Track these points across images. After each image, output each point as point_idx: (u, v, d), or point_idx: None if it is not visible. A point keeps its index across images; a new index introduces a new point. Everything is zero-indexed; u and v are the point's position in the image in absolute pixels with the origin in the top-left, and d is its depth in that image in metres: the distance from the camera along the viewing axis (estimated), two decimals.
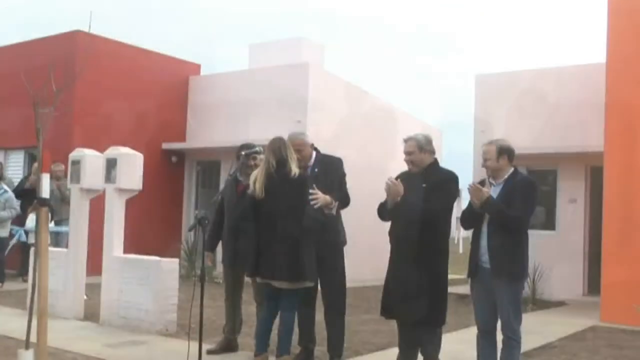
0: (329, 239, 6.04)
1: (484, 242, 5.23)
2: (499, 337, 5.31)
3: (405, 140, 5.98)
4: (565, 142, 12.59)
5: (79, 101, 13.60)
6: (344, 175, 6.25)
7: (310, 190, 5.80)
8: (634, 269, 9.48)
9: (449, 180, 5.89)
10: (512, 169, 5.34)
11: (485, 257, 5.21)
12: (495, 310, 5.28)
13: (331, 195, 5.92)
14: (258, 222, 5.98)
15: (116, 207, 8.29)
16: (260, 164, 6.49)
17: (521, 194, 5.18)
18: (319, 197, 5.80)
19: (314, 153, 6.28)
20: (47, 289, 5.41)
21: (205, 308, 9.09)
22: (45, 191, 5.58)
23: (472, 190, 5.21)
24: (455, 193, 5.95)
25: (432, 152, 5.97)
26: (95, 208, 8.90)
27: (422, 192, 5.71)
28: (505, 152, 5.30)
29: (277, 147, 5.88)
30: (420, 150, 5.88)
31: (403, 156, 6.04)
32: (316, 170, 6.17)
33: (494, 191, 5.25)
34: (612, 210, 9.85)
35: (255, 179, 5.88)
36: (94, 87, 13.88)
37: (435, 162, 5.99)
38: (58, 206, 11.40)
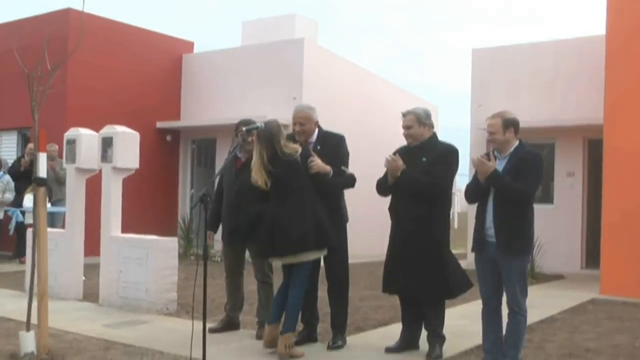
0: (332, 216, 5.99)
1: (489, 216, 5.17)
2: (504, 311, 5.28)
3: (404, 114, 5.93)
4: (563, 115, 12.55)
5: (72, 80, 13.45)
6: (346, 154, 6.13)
7: (311, 158, 5.71)
8: (634, 241, 9.47)
9: (450, 154, 5.88)
10: (517, 142, 5.26)
11: (490, 231, 5.15)
12: (500, 285, 5.24)
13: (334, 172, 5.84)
14: (262, 199, 5.88)
15: (113, 187, 8.19)
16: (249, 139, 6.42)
17: (527, 167, 5.11)
18: (317, 162, 5.73)
19: (317, 130, 6.19)
20: (46, 270, 5.36)
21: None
22: (42, 171, 5.51)
23: (478, 163, 5.14)
24: (456, 166, 5.92)
25: (431, 125, 5.97)
26: (92, 188, 8.82)
27: (423, 167, 5.68)
28: (511, 124, 5.21)
29: (267, 135, 5.74)
30: (419, 124, 5.85)
31: (399, 131, 5.99)
32: (318, 147, 6.09)
33: (499, 165, 5.18)
34: (612, 183, 9.82)
35: (256, 175, 5.75)
36: (86, 66, 13.72)
37: (434, 135, 5.98)
38: (53, 186, 11.30)
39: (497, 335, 5.30)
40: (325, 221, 5.68)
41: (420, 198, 5.66)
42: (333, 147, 6.10)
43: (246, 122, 6.28)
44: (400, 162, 5.62)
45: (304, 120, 6.07)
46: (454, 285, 5.77)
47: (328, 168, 5.81)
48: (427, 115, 5.94)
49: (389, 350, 5.90)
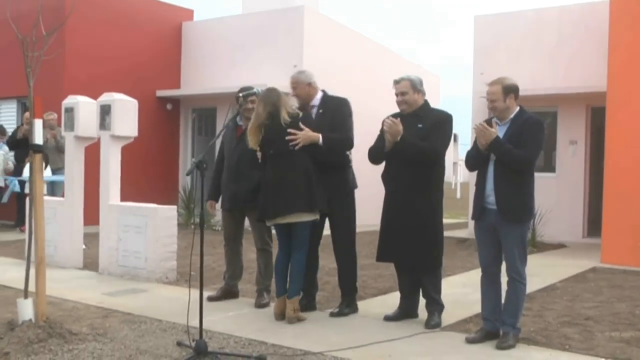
0: (339, 182, 5.96)
1: (489, 183, 5.12)
2: (503, 279, 5.25)
3: (397, 81, 5.85)
4: (566, 82, 12.43)
5: (70, 49, 13.34)
6: (349, 115, 6.09)
7: (289, 131, 5.68)
8: (635, 210, 9.43)
9: (445, 121, 5.82)
10: (518, 108, 5.18)
11: (491, 198, 5.10)
12: (500, 252, 5.21)
13: (326, 135, 5.80)
14: (262, 167, 5.94)
15: (112, 155, 8.14)
16: (249, 106, 6.40)
17: (529, 133, 5.04)
18: (299, 136, 5.68)
19: (321, 93, 6.17)
20: (43, 237, 5.31)
21: (204, 255, 9.11)
22: (38, 138, 5.45)
23: (479, 130, 5.07)
24: (450, 133, 5.85)
25: (424, 92, 5.91)
26: (92, 156, 8.78)
27: (420, 134, 5.60)
28: (511, 90, 5.13)
29: (268, 97, 5.78)
30: (414, 90, 5.78)
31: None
32: (320, 110, 6.05)
33: (500, 131, 5.11)
34: (614, 151, 9.75)
35: (249, 136, 5.83)
36: (85, 35, 13.61)
37: (427, 102, 5.91)
38: (54, 155, 11.26)
39: (496, 302, 5.28)
40: (315, 185, 5.71)
41: (417, 165, 5.59)
42: (334, 109, 6.07)
43: (244, 89, 6.23)
44: (400, 126, 5.55)
45: (294, 84, 6.12)
46: (441, 253, 5.81)
47: (315, 136, 5.75)
48: (420, 81, 5.89)
49: (387, 318, 5.89)
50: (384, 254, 5.86)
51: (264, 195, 5.82)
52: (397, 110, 5.90)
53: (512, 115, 5.15)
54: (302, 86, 6.09)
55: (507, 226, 5.07)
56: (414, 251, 5.67)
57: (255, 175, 6.27)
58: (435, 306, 5.81)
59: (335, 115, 6.02)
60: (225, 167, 6.59)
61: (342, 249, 6.14)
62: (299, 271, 5.82)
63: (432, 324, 5.67)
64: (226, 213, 6.69)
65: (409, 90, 5.76)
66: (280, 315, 5.78)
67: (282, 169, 5.74)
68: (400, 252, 5.75)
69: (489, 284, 5.30)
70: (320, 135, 5.77)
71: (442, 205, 5.84)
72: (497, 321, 5.24)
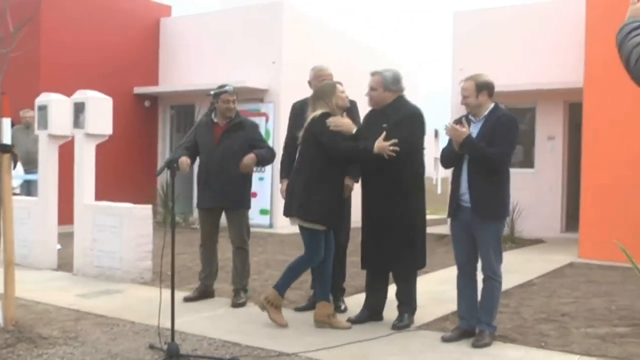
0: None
1: (464, 181, 5.09)
2: (480, 276, 5.23)
3: (372, 74, 5.67)
4: (544, 78, 12.44)
5: (46, 46, 13.18)
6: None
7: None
8: (612, 205, 9.47)
9: (412, 117, 5.56)
10: (492, 105, 5.15)
11: (465, 196, 5.08)
12: (476, 250, 5.18)
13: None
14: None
15: (86, 153, 8.03)
16: (231, 105, 6.36)
17: (502, 131, 5.01)
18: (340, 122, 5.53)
19: None
20: (12, 239, 5.22)
21: (182, 254, 9.07)
22: (6, 137, 5.36)
23: (450, 130, 5.03)
24: (420, 130, 5.61)
25: (399, 90, 5.64)
26: (67, 155, 8.66)
27: (381, 132, 5.36)
28: (484, 87, 5.10)
29: (317, 94, 5.68)
30: (384, 88, 5.57)
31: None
32: None
33: (474, 128, 5.08)
34: (591, 147, 9.78)
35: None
36: (61, 31, 13.44)
37: (399, 99, 5.63)
38: (33, 154, 11.08)
39: (472, 301, 5.25)
40: (312, 192, 5.47)
41: (391, 170, 5.43)
42: (348, 112, 5.88)
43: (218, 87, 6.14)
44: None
45: (331, 77, 6.18)
46: (424, 256, 5.73)
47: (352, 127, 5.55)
48: (396, 80, 5.60)
49: (350, 321, 5.66)
50: (371, 262, 5.70)
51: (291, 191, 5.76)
52: None
53: (486, 112, 5.12)
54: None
55: (482, 224, 5.04)
56: (401, 257, 5.55)
57: (239, 174, 6.23)
58: (406, 307, 5.65)
59: (352, 117, 5.85)
60: (203, 165, 6.51)
61: (338, 250, 5.93)
62: (315, 277, 5.74)
63: (402, 324, 5.52)
64: (205, 212, 6.60)
65: (378, 87, 5.57)
66: (320, 322, 5.59)
67: (296, 165, 5.74)
68: (388, 260, 5.59)
69: (465, 282, 5.28)
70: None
71: (423, 203, 5.70)
72: (473, 319, 5.21)
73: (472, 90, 5.08)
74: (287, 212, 5.65)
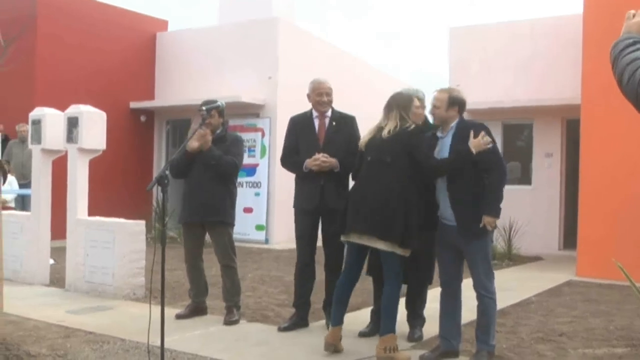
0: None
1: (443, 199, 5.00)
2: (473, 295, 5.11)
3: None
4: (541, 94, 12.42)
5: (42, 60, 13.15)
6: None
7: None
8: (610, 223, 9.40)
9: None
10: (457, 118, 5.08)
11: (447, 214, 4.98)
12: (461, 269, 5.08)
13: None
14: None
15: (79, 168, 7.95)
16: (212, 121, 6.16)
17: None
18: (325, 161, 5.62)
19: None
20: (1, 255, 5.13)
21: (175, 271, 8.97)
22: None
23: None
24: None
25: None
26: (61, 169, 8.59)
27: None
28: (456, 102, 5.04)
29: (398, 102, 5.24)
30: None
31: (376, 112, 5.72)
32: (333, 123, 6.05)
33: (442, 144, 5.02)
34: (589, 164, 9.72)
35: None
36: (58, 46, 13.42)
37: (426, 118, 5.81)
38: (28, 168, 11.01)
39: (454, 321, 5.15)
40: (408, 216, 4.97)
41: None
42: (349, 127, 5.98)
43: (207, 103, 6.08)
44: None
45: (330, 90, 6.09)
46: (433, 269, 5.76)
47: (334, 162, 5.74)
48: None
49: (363, 334, 5.74)
50: (375, 268, 5.64)
51: (350, 204, 5.17)
52: (368, 124, 5.77)
53: (452, 124, 5.06)
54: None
55: (469, 243, 4.94)
56: (410, 268, 5.51)
57: (219, 188, 6.14)
58: (417, 319, 5.79)
59: (350, 132, 5.95)
60: (187, 179, 6.41)
61: (335, 268, 5.88)
62: (387, 306, 5.04)
63: (416, 337, 5.65)
64: (186, 228, 6.50)
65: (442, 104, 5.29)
66: (332, 346, 5.15)
67: (378, 181, 5.08)
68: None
69: (448, 301, 5.15)
70: (336, 162, 5.80)
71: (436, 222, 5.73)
72: (455, 339, 5.12)
73: (444, 102, 5.03)
74: (370, 231, 5.00)
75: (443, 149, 5.03)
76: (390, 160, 5.05)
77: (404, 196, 4.96)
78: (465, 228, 4.90)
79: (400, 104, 5.21)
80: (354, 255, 5.27)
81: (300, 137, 6.07)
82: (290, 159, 6.11)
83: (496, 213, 4.88)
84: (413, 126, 5.12)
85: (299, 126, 6.14)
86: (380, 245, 4.95)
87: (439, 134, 5.11)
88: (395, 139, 5.05)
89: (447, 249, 5.08)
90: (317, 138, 5.96)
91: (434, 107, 5.08)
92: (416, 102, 5.50)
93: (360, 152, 5.32)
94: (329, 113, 6.07)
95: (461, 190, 4.92)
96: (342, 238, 5.27)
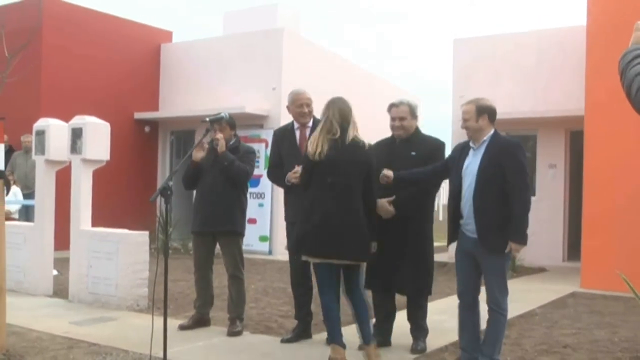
0: None
1: (467, 209, 4.95)
2: (482, 307, 5.08)
3: (397, 105, 5.78)
4: (545, 106, 12.43)
5: (47, 71, 13.21)
6: None
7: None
8: (614, 234, 9.37)
9: (439, 149, 5.81)
10: (492, 131, 5.06)
11: (470, 226, 4.92)
12: (479, 280, 5.05)
13: None
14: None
15: (83, 179, 7.97)
16: (223, 131, 6.24)
17: (513, 162, 4.87)
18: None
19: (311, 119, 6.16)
20: (4, 266, 5.13)
21: (179, 281, 8.97)
22: (0, 163, 5.30)
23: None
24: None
25: (418, 118, 5.92)
26: (65, 180, 8.60)
27: (413, 160, 5.50)
28: (485, 111, 5.01)
29: (341, 107, 5.23)
30: (412, 116, 5.76)
31: (379, 122, 5.81)
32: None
33: (474, 156, 4.98)
34: (593, 176, 9.71)
35: (315, 143, 5.04)
36: (63, 57, 13.48)
37: (418, 129, 5.91)
38: (32, 178, 11.02)
39: (474, 332, 5.09)
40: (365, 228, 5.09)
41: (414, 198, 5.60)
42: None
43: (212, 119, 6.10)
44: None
45: (310, 101, 6.22)
46: (432, 280, 5.80)
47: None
48: (417, 106, 5.89)
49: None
50: (375, 282, 5.65)
51: (317, 227, 4.97)
52: (376, 136, 5.81)
53: (485, 137, 5.01)
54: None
55: (488, 257, 4.91)
56: (411, 279, 5.56)
57: (230, 197, 6.16)
58: (420, 331, 5.78)
59: None
60: (199, 189, 6.45)
61: None
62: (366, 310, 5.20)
63: (419, 348, 5.61)
64: (197, 237, 6.53)
65: (407, 115, 5.70)
66: None
67: (345, 203, 5.00)
68: (397, 280, 5.61)
69: (467, 313, 5.11)
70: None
71: (432, 233, 5.84)
72: (475, 351, 5.08)
73: (472, 113, 4.99)
74: (348, 256, 5.02)
75: (473, 162, 4.97)
76: (353, 183, 5.07)
77: (362, 213, 5.07)
78: (485, 240, 4.86)
79: (349, 116, 5.18)
80: (327, 272, 5.09)
81: (283, 149, 6.11)
82: (275, 172, 6.15)
83: (522, 239, 4.88)
84: (367, 143, 5.19)
85: (281, 139, 6.20)
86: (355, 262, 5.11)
87: (471, 144, 5.09)
88: (355, 159, 5.06)
89: (465, 260, 5.04)
90: (298, 150, 5.91)
91: (464, 120, 5.03)
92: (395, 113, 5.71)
93: (312, 162, 5.04)
94: (310, 124, 6.07)
95: (486, 202, 4.86)
96: (306, 258, 5.19)
